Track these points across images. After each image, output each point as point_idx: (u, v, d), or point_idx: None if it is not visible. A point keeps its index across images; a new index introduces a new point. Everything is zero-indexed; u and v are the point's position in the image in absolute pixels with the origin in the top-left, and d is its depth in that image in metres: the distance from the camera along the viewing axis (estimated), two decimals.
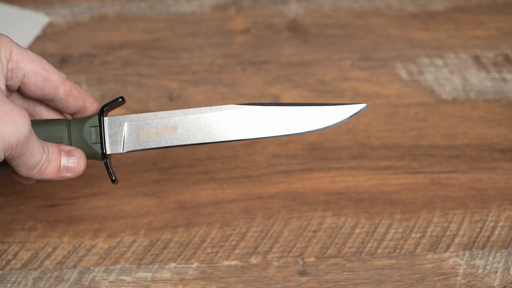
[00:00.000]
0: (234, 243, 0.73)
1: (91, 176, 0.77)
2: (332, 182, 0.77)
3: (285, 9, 0.93)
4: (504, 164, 0.79)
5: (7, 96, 0.63)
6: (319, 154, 0.79)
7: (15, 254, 0.72)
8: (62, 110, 0.67)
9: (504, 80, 0.86)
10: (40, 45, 0.89)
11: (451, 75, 0.86)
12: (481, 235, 0.74)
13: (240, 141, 0.79)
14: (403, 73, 0.86)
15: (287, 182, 0.77)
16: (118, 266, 0.71)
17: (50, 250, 0.72)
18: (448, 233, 0.74)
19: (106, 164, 0.65)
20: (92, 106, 0.67)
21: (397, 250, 0.72)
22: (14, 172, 0.65)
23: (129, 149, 0.65)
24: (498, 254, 0.72)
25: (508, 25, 0.91)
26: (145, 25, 0.91)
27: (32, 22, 0.90)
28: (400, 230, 0.74)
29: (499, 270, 0.71)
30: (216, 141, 0.65)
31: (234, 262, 0.72)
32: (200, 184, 0.77)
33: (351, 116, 0.66)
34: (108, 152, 0.65)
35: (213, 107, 0.65)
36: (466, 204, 0.76)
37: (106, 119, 0.65)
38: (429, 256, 0.72)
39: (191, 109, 0.65)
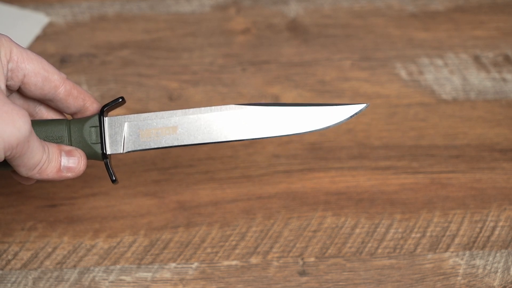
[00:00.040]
0: (234, 243, 0.73)
1: (91, 176, 0.77)
2: (332, 182, 0.77)
3: (285, 9, 0.93)
4: (504, 164, 0.79)
5: (7, 96, 0.63)
6: (319, 154, 0.79)
7: (15, 254, 0.72)
8: (62, 110, 0.67)
9: (504, 80, 0.86)
10: (40, 45, 0.89)
11: (451, 75, 0.86)
12: (481, 235, 0.74)
13: (240, 141, 0.79)
14: (403, 73, 0.86)
15: (287, 182, 0.77)
16: (118, 266, 0.71)
17: (50, 250, 0.72)
18: (448, 233, 0.74)
19: (106, 164, 0.65)
20: (92, 106, 0.67)
21: (397, 250, 0.72)
22: (14, 172, 0.65)
23: (129, 149, 0.65)
24: (498, 254, 0.72)
25: (508, 25, 0.91)
26: (145, 25, 0.91)
27: (32, 22, 0.90)
28: (400, 230, 0.74)
29: (499, 270, 0.71)
30: (216, 141, 0.65)
31: (234, 262, 0.72)
32: (200, 184, 0.77)
33: (351, 116, 0.66)
34: (108, 152, 0.65)
35: (213, 107, 0.65)
36: (466, 204, 0.76)
37: (106, 119, 0.65)
38: (429, 256, 0.72)
39: (191, 109, 0.65)
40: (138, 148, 0.65)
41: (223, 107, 0.65)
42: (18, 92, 0.65)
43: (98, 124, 0.65)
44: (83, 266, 0.71)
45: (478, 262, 0.72)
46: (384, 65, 0.87)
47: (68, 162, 0.63)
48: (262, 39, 0.90)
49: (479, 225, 0.74)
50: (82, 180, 0.77)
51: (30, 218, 0.74)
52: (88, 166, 0.65)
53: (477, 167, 0.78)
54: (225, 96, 0.84)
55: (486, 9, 0.92)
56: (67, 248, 0.73)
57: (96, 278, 0.71)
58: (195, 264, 0.72)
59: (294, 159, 0.79)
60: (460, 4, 0.93)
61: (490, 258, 0.72)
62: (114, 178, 0.65)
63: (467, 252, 0.72)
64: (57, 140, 0.64)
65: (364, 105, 0.66)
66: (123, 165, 0.78)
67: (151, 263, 0.72)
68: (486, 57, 0.88)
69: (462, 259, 0.72)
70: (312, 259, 0.72)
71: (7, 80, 0.62)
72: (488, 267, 0.71)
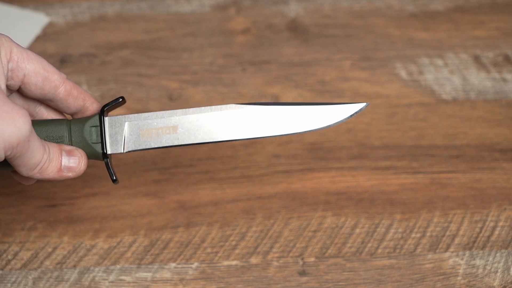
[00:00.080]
0: (234, 243, 0.73)
1: (91, 176, 0.77)
2: (332, 182, 0.77)
3: (285, 9, 0.93)
4: (504, 164, 0.79)
5: (7, 96, 0.63)
6: (319, 154, 0.79)
7: (15, 254, 0.72)
8: (62, 110, 0.67)
9: (504, 80, 0.86)
10: (40, 45, 0.89)
11: (451, 75, 0.86)
12: (481, 235, 0.74)
13: (240, 141, 0.79)
14: (403, 73, 0.86)
15: (287, 182, 0.77)
16: (118, 266, 0.71)
17: (50, 250, 0.72)
18: (448, 233, 0.74)
19: (106, 164, 0.65)
20: (92, 106, 0.67)
21: (397, 250, 0.72)
22: (15, 172, 0.65)
23: (130, 149, 0.65)
24: (498, 254, 0.72)
25: (508, 25, 0.91)
26: (145, 25, 0.91)
27: (32, 22, 0.90)
28: (400, 230, 0.74)
29: (499, 270, 0.71)
30: (216, 140, 0.65)
31: (234, 262, 0.72)
32: (200, 184, 0.77)
33: (351, 116, 0.66)
34: (109, 152, 0.65)
35: (213, 106, 0.65)
36: (466, 204, 0.76)
37: (106, 119, 0.65)
38: (429, 256, 0.72)
39: (192, 109, 0.65)
40: (139, 148, 0.65)
41: (223, 106, 0.65)
42: (18, 92, 0.65)
43: (98, 124, 0.65)
44: (83, 266, 0.71)
45: (478, 262, 0.72)
46: (384, 65, 0.87)
47: (69, 161, 0.63)
48: (262, 39, 0.90)
49: (479, 225, 0.74)
50: (82, 180, 0.77)
51: (30, 218, 0.74)
52: (88, 166, 0.65)
53: (477, 167, 0.78)
54: (225, 96, 0.84)
55: (486, 9, 0.92)
56: (67, 248, 0.73)
57: (96, 278, 0.71)
58: (195, 264, 0.72)
59: (294, 159, 0.79)
60: (460, 4, 0.93)
61: (490, 258, 0.72)
62: (114, 178, 0.65)
63: (467, 252, 0.72)
64: (58, 140, 0.64)
65: (364, 104, 0.66)
66: (123, 165, 0.78)
67: (151, 263, 0.72)
68: (486, 57, 0.88)
69: (462, 259, 0.72)
70: (312, 259, 0.72)
71: (7, 80, 0.62)
72: (488, 267, 0.71)
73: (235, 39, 0.90)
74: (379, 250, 0.72)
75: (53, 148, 0.63)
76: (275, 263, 0.72)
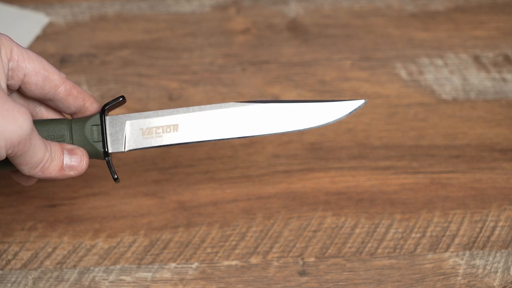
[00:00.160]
0: (234, 243, 0.73)
1: (91, 175, 0.77)
2: (332, 182, 0.77)
3: (285, 9, 0.93)
4: (504, 164, 0.79)
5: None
6: (319, 154, 0.79)
7: (15, 254, 0.72)
8: (62, 110, 0.67)
9: (504, 80, 0.86)
10: (40, 45, 0.89)
11: (451, 75, 0.86)
12: (481, 235, 0.74)
13: (240, 141, 0.79)
14: (403, 73, 0.86)
15: (287, 182, 0.77)
16: (118, 266, 0.71)
17: (50, 250, 0.72)
18: (448, 233, 0.74)
19: (108, 163, 0.65)
20: (92, 106, 0.67)
21: (397, 250, 0.72)
22: (14, 173, 0.65)
23: (131, 148, 0.65)
24: (498, 254, 0.72)
25: (508, 25, 0.91)
26: (145, 25, 0.91)
27: (32, 22, 0.90)
28: (400, 230, 0.74)
29: (499, 270, 0.71)
30: (217, 138, 0.65)
31: (234, 262, 0.72)
32: (200, 184, 0.77)
33: (350, 113, 0.66)
34: (110, 150, 0.65)
35: (213, 104, 0.65)
36: (466, 204, 0.76)
37: (107, 117, 0.65)
38: (429, 256, 0.72)
39: (192, 107, 0.65)
40: (140, 147, 0.65)
41: (224, 104, 0.65)
42: (18, 92, 0.65)
43: (99, 123, 0.65)
44: (83, 266, 0.71)
45: (478, 262, 0.72)
46: (384, 65, 0.87)
47: (71, 160, 0.63)
48: (262, 39, 0.90)
49: (479, 225, 0.74)
50: (82, 180, 0.77)
51: (30, 218, 0.74)
52: (88, 166, 0.65)
53: (477, 167, 0.78)
54: (225, 96, 0.84)
55: (486, 9, 0.93)
56: (67, 248, 0.72)
57: (96, 278, 0.71)
58: (195, 264, 0.72)
59: (294, 159, 0.79)
60: (460, 4, 0.93)
61: (490, 258, 0.72)
62: (116, 176, 0.65)
63: (467, 252, 0.72)
64: (59, 139, 0.64)
65: (363, 101, 0.66)
66: (123, 165, 0.78)
67: (151, 263, 0.72)
68: (486, 57, 0.88)
69: (462, 259, 0.72)
70: (312, 259, 0.72)
71: (7, 79, 0.62)
72: (488, 267, 0.71)
73: (235, 39, 0.90)
74: (379, 250, 0.72)
75: (55, 146, 0.63)
76: (275, 263, 0.72)
